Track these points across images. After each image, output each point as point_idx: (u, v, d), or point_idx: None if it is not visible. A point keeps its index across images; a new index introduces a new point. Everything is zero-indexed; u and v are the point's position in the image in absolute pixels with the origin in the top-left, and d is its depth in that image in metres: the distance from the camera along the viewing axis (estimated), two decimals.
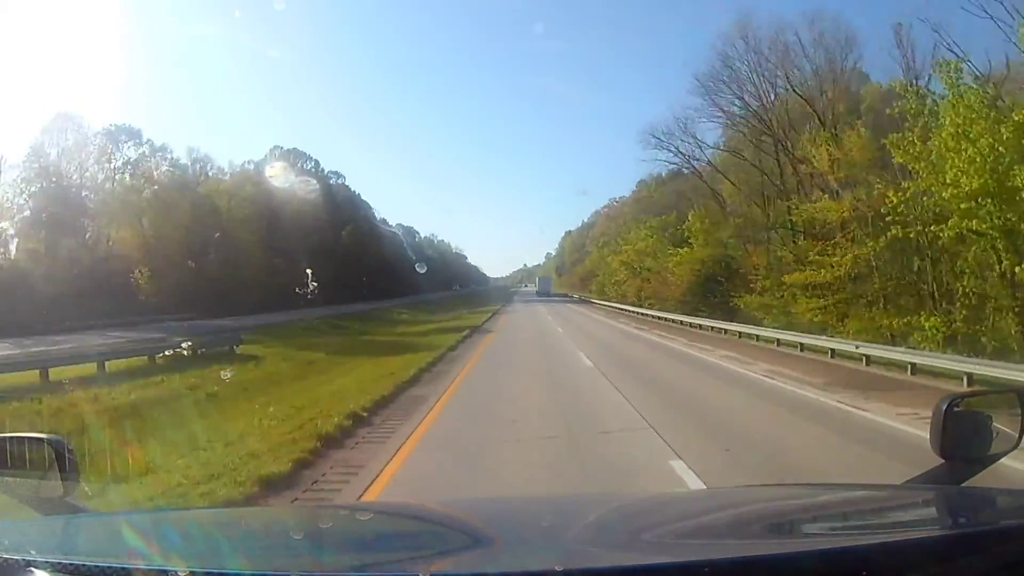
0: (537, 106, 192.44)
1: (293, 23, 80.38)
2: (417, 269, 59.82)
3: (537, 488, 5.45)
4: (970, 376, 11.13)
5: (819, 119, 24.33)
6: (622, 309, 44.84)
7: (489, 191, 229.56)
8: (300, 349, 22.37)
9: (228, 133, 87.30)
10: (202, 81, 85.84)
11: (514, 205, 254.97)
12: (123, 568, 1.05)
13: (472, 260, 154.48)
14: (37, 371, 14.42)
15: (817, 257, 20.71)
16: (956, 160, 13.38)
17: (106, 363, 16.31)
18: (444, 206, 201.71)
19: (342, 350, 21.32)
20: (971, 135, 13.16)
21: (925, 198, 15.79)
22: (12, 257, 34.73)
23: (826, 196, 21.78)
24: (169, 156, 44.18)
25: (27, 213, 35.78)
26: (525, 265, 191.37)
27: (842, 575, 0.97)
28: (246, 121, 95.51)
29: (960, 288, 15.33)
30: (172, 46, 76.48)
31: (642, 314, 37.85)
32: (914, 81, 18.53)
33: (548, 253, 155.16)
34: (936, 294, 17.29)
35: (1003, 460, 1.65)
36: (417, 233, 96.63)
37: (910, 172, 16.33)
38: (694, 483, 5.45)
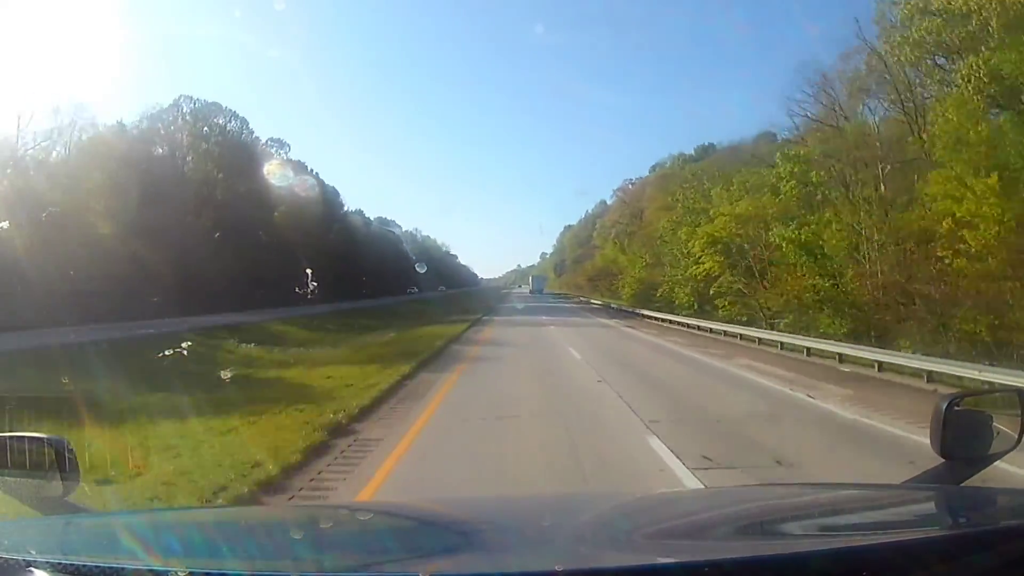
0: (533, 104, 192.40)
1: (285, 17, 78.12)
2: (417, 269, 55.56)
3: None
4: None
5: None
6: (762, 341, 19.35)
7: (483, 191, 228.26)
8: None
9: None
10: (190, 74, 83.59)
11: (509, 205, 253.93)
12: (123, 568, 1.05)
13: (465, 260, 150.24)
14: None
15: None
16: None
17: None
18: (438, 206, 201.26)
19: None
20: None
21: None
22: None
23: None
24: None
25: None
26: (519, 266, 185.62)
27: (843, 575, 0.97)
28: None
29: None
30: (161, 39, 73.60)
31: None
32: None
33: (543, 253, 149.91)
34: None
35: (1003, 460, 1.65)
36: (398, 227, 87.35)
37: None
38: None
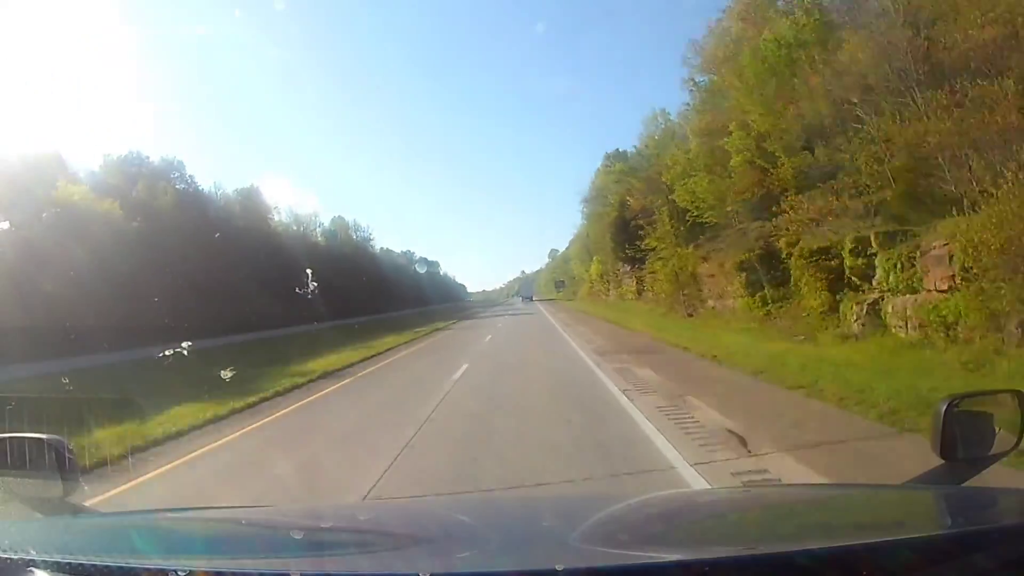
0: (533, 106, 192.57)
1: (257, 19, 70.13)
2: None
3: None
4: None
5: None
6: None
7: (480, 200, 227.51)
8: None
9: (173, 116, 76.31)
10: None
11: (510, 215, 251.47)
12: (123, 568, 1.05)
13: (462, 274, 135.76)
14: None
15: None
16: None
17: None
18: (432, 224, 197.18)
19: None
20: None
21: None
22: None
23: None
24: None
25: None
26: (523, 272, 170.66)
27: (843, 575, 0.97)
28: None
29: None
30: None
31: None
32: None
33: (553, 250, 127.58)
34: None
35: (1003, 460, 1.64)
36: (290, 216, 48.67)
37: None
38: None
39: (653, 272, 31.10)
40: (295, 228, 50.31)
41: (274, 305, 35.08)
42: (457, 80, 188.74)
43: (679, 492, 3.88)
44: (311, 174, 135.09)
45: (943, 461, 1.55)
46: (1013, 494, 1.48)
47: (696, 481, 4.77)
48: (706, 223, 23.92)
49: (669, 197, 27.13)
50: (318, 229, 55.54)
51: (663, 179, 27.81)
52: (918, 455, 3.35)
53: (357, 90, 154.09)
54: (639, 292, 37.97)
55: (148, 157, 35.97)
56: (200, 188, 38.79)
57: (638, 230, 32.21)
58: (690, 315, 24.30)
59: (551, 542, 1.33)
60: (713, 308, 22.71)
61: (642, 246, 31.64)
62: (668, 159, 28.41)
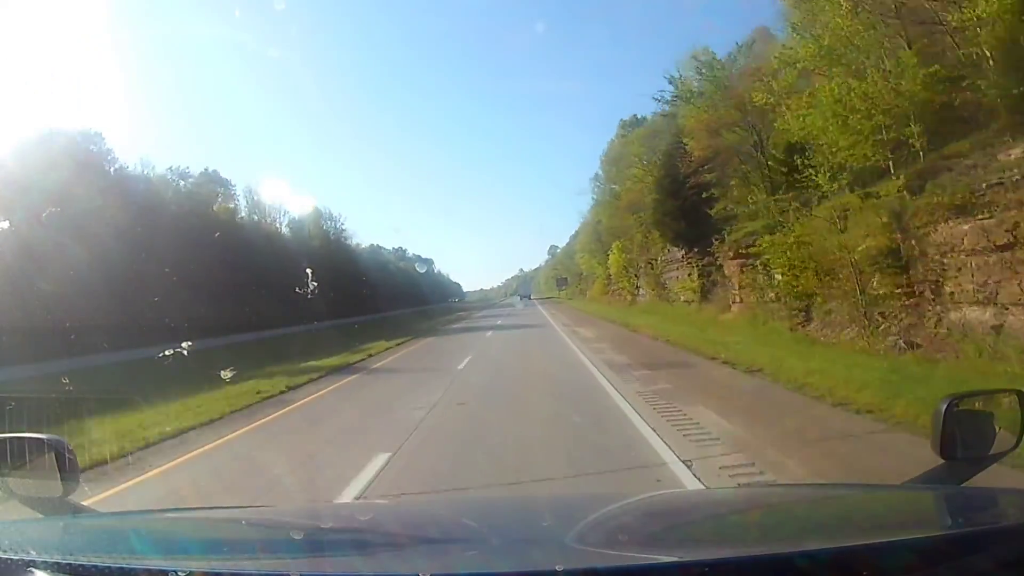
0: (531, 101, 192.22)
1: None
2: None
3: None
4: None
5: None
6: None
7: (477, 198, 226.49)
8: None
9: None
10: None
11: (509, 213, 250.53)
12: (122, 568, 1.05)
13: (450, 271, 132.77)
14: None
15: None
16: None
17: None
18: (429, 221, 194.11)
19: None
20: None
21: None
22: None
23: None
24: None
25: None
26: (522, 270, 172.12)
27: (843, 575, 0.97)
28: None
29: None
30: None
31: None
32: None
33: (553, 247, 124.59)
34: None
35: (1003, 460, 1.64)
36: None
37: None
38: None
39: (744, 257, 18.21)
40: (245, 216, 42.29)
41: (199, 306, 28.00)
42: (452, 75, 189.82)
43: (678, 492, 3.88)
44: (303, 171, 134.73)
45: (943, 461, 1.55)
46: (1013, 494, 1.47)
47: None
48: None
49: (774, 126, 16.34)
50: (283, 219, 46.81)
51: (755, 101, 17.07)
52: None
53: (348, 86, 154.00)
54: (704, 291, 23.84)
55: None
56: (124, 166, 31.15)
57: (702, 191, 21.42)
58: (908, 347, 10.48)
59: (550, 542, 1.33)
60: (993, 328, 8.94)
61: (725, 210, 19.31)
62: (775, 60, 16.09)
